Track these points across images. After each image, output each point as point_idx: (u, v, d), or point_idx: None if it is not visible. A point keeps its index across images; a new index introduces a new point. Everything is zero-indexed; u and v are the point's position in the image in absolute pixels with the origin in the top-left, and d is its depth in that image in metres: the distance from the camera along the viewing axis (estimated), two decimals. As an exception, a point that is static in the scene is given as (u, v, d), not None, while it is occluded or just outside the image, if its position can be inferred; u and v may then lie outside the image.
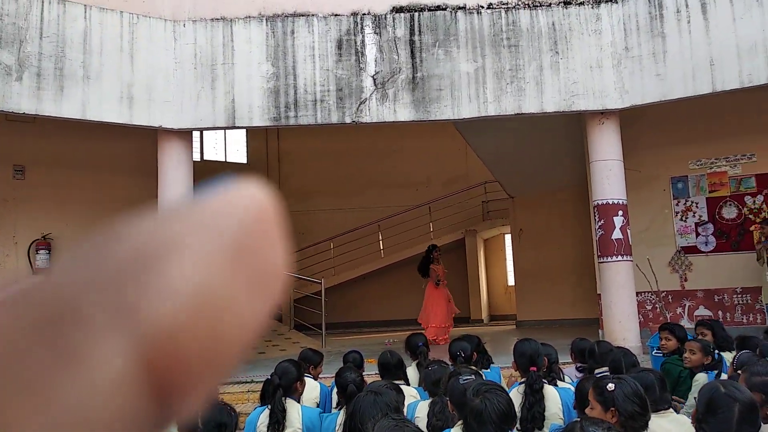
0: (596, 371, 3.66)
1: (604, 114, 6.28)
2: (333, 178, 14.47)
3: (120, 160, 7.83)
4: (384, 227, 13.30)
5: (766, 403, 2.12)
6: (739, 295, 7.30)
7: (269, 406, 3.17)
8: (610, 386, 2.15)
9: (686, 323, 7.39)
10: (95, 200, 7.71)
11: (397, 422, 1.61)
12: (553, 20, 6.27)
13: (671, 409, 2.64)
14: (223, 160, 14.10)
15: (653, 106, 6.42)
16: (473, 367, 3.29)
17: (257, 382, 5.82)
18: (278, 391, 3.19)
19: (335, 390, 3.82)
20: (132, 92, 5.90)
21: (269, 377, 3.30)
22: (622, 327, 6.11)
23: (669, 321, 7.06)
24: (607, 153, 6.27)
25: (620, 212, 6.21)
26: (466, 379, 2.51)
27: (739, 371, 2.72)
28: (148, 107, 5.96)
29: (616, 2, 6.30)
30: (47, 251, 7.33)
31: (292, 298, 10.81)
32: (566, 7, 6.29)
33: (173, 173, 6.10)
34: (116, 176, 7.81)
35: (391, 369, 3.69)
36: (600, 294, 6.59)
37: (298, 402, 3.30)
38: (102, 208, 7.72)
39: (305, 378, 3.50)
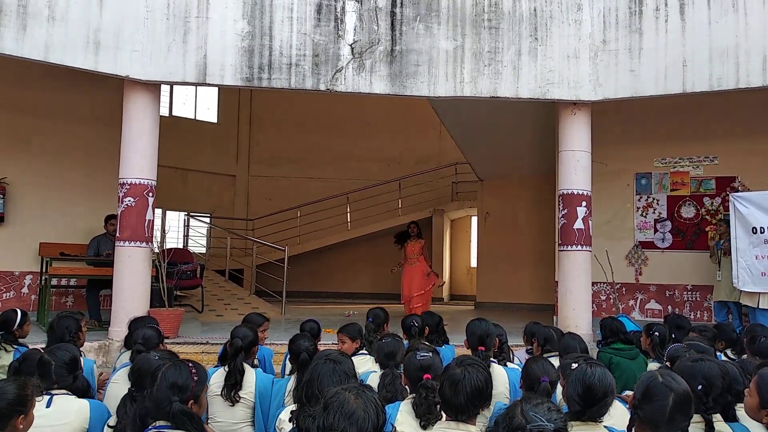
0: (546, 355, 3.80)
1: (576, 105, 6.38)
2: (304, 146, 14.34)
3: (83, 108, 7.59)
4: (353, 200, 13.31)
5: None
6: (690, 292, 7.62)
7: (226, 368, 3.21)
8: (574, 365, 2.23)
9: (637, 315, 7.69)
10: (55, 147, 7.48)
11: (359, 389, 1.65)
12: (535, 6, 6.29)
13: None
14: (193, 117, 13.80)
15: (625, 102, 6.55)
16: (427, 344, 3.38)
17: (213, 344, 5.84)
18: (240, 353, 3.23)
19: (288, 357, 3.89)
20: (99, 38, 5.71)
21: (231, 340, 3.33)
22: (576, 314, 6.32)
23: (621, 312, 7.34)
24: (576, 144, 6.39)
25: (584, 203, 6.36)
26: (423, 356, 2.59)
27: (668, 362, 2.87)
28: (115, 55, 5.78)
29: (599, -6, 6.36)
30: (2, 195, 7.12)
31: (254, 264, 10.78)
32: (549, -6, 6.32)
33: (139, 126, 5.96)
34: (78, 125, 7.58)
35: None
36: (557, 281, 6.78)
37: (252, 366, 3.35)
38: (62, 156, 7.51)
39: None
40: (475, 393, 2.13)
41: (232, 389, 3.15)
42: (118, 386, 3.16)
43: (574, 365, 2.23)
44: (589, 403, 2.13)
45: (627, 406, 2.62)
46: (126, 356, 3.69)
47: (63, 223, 7.42)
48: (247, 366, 3.28)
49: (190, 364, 2.24)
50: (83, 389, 2.69)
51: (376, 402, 1.63)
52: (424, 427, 2.37)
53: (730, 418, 2.35)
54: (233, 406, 3.16)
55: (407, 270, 8.84)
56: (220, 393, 3.16)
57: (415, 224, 9.15)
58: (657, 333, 3.87)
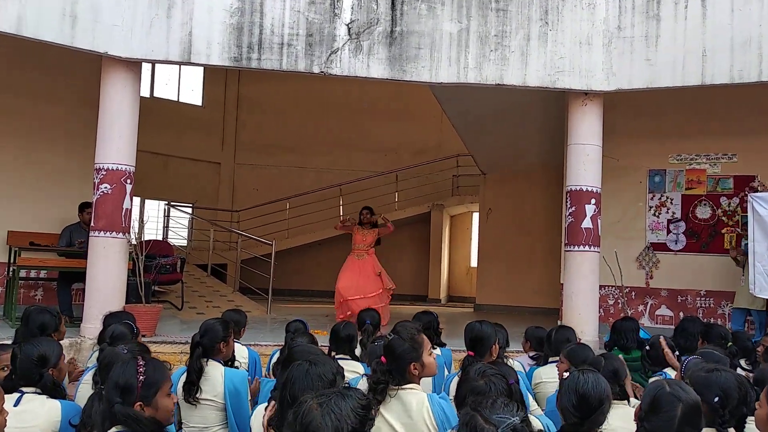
0: (550, 360, 3.81)
1: (588, 95, 6.38)
2: (295, 133, 14.28)
3: (59, 87, 7.53)
4: (346, 192, 13.28)
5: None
6: (703, 298, 7.65)
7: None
8: (566, 374, 2.25)
9: (647, 322, 7.72)
10: (27, 129, 7.43)
11: (328, 397, 1.66)
12: (547, -13, 6.28)
13: (625, 401, 2.78)
14: (176, 99, 13.73)
15: (639, 93, 6.56)
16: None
17: (192, 343, 5.83)
18: (197, 349, 3.18)
19: (276, 356, 3.90)
20: (76, 11, 5.66)
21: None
22: (581, 319, 6.34)
23: (629, 317, 7.37)
24: (586, 137, 6.39)
25: (593, 200, 6.37)
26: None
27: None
28: (93, 30, 5.73)
29: (615, -24, 6.35)
30: (-29, 178, 7.08)
31: (239, 258, 10.77)
32: (562, -25, 6.30)
33: (117, 108, 5.92)
34: (53, 105, 7.52)
35: (339, 341, 3.77)
36: (563, 283, 6.80)
37: (224, 364, 3.31)
38: (35, 138, 7.45)
39: (233, 342, 3.52)
40: None
41: (189, 389, 3.10)
42: (89, 387, 3.15)
43: (566, 374, 2.25)
44: (586, 413, 2.15)
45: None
46: (97, 355, 3.67)
47: (34, 211, 7.37)
48: (215, 364, 3.23)
49: (141, 362, 2.19)
50: (51, 388, 2.66)
51: (340, 414, 1.61)
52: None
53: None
54: (196, 407, 3.13)
55: (352, 263, 8.06)
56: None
57: (369, 210, 8.34)
58: (648, 347, 3.82)
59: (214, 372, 3.19)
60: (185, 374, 3.16)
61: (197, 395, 3.10)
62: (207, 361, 3.21)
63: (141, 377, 2.14)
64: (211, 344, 3.24)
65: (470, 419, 1.60)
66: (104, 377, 2.56)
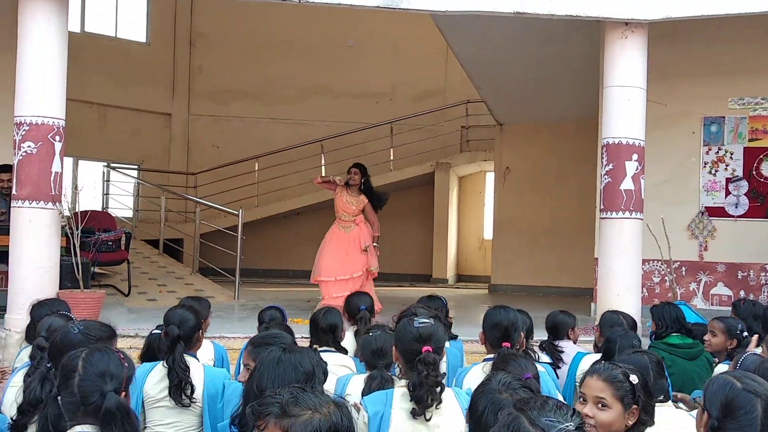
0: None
1: (629, 25, 6.33)
2: (264, 76, 14.17)
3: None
4: (329, 149, 13.25)
5: None
6: (769, 274, 7.75)
7: (165, 364, 3.24)
8: (634, 378, 2.26)
9: (700, 303, 7.82)
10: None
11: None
12: None
13: (670, 402, 2.86)
14: (113, 35, 13.55)
15: (693, 22, 6.51)
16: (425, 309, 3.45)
17: (143, 336, 5.88)
18: (178, 344, 3.23)
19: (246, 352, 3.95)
20: (-15, -76, 5.56)
21: (160, 328, 3.36)
22: (620, 301, 6.38)
23: (680, 298, 7.46)
24: (626, 77, 6.37)
25: (635, 156, 6.39)
26: (422, 322, 2.71)
27: None
28: (8, -52, 5.64)
29: None
30: None
31: (197, 232, 10.79)
32: None
33: (40, 45, 5.84)
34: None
35: (320, 331, 3.81)
36: (597, 258, 6.86)
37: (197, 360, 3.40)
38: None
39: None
40: None
41: (179, 389, 3.17)
42: (19, 392, 3.18)
43: (634, 378, 2.28)
44: None
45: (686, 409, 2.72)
46: (27, 353, 3.70)
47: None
48: (193, 360, 3.32)
49: (109, 349, 2.27)
50: None
51: None
52: (417, 415, 2.53)
53: None
54: (173, 410, 3.22)
55: (335, 236, 7.74)
56: (162, 397, 3.22)
57: (360, 168, 7.86)
58: (746, 334, 3.85)
59: (195, 370, 3.27)
60: (163, 374, 3.22)
61: (191, 394, 3.19)
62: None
63: (126, 364, 2.21)
64: (188, 336, 3.31)
65: (513, 421, 1.64)
66: (56, 359, 2.58)
